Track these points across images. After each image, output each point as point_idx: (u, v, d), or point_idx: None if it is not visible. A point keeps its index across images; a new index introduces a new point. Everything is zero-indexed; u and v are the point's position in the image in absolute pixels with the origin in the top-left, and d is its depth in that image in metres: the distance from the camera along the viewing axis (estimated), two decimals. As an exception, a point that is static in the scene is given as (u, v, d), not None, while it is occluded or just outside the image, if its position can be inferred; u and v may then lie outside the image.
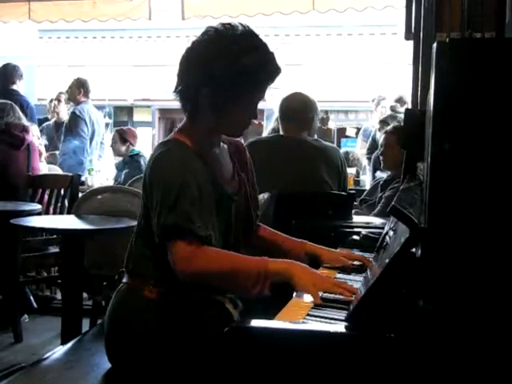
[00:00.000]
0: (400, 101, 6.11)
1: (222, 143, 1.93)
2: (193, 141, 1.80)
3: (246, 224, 1.95)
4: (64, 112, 6.89)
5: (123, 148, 6.11)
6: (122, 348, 1.81)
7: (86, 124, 6.31)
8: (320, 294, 1.57)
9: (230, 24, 1.78)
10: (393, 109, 6.10)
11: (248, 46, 1.74)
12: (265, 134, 5.53)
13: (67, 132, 6.35)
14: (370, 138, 6.43)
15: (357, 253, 2.17)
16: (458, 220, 1.14)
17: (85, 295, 3.77)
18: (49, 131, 6.91)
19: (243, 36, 1.76)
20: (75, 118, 6.29)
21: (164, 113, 15.17)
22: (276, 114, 4.43)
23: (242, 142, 2.18)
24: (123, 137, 6.11)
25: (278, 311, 1.44)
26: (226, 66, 1.72)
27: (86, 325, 3.51)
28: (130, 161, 6.07)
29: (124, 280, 1.85)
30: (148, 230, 1.77)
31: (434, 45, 1.14)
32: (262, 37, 1.79)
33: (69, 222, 3.67)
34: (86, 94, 6.38)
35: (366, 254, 2.11)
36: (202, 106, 1.78)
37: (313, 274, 1.66)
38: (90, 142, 6.42)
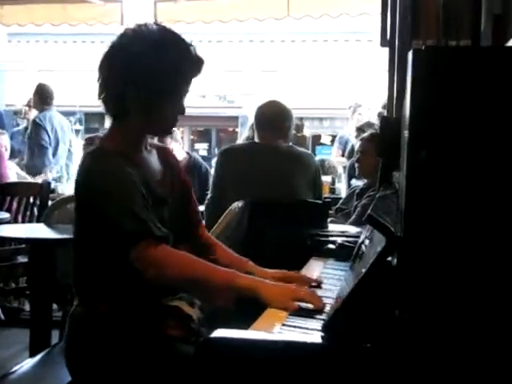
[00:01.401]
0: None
1: (149, 147, 1.93)
2: (121, 145, 1.80)
3: (183, 227, 1.93)
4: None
5: None
6: (82, 363, 1.79)
7: (47, 132, 6.26)
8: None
9: (145, 24, 1.81)
10: (381, 115, 6.10)
11: (167, 42, 1.77)
12: (239, 141, 5.53)
13: (29, 141, 6.31)
14: (350, 146, 6.46)
15: (330, 262, 2.18)
16: (434, 229, 1.15)
17: (54, 306, 3.72)
18: (19, 138, 6.85)
19: (160, 33, 1.80)
20: (35, 127, 6.26)
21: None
22: (251, 121, 4.44)
23: (171, 147, 2.17)
24: (92, 144, 6.07)
25: (249, 321, 1.44)
26: (149, 64, 1.73)
27: (55, 337, 3.47)
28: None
29: (75, 303, 1.85)
30: (88, 245, 1.78)
31: (410, 52, 1.16)
32: (176, 31, 1.82)
33: (38, 230, 3.64)
34: (47, 100, 6.32)
35: (342, 264, 2.12)
36: (128, 108, 1.79)
37: (281, 288, 1.65)
38: (55, 150, 6.37)
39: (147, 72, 1.74)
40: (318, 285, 1.83)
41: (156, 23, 1.82)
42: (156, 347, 1.72)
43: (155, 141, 2.10)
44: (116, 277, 1.73)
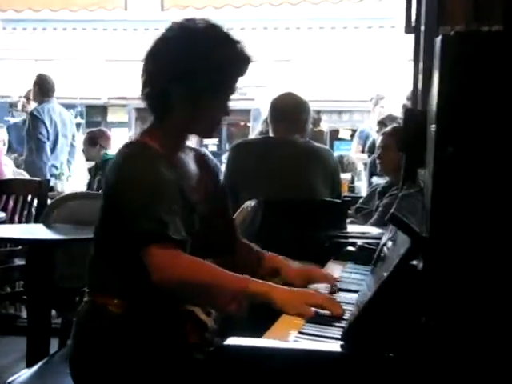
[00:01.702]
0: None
1: (187, 150, 1.98)
2: (160, 143, 1.84)
3: (212, 236, 1.94)
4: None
5: (93, 151, 6.09)
6: (88, 370, 1.80)
7: (46, 126, 6.28)
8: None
9: (192, 19, 1.86)
10: (405, 107, 6.08)
11: (214, 39, 1.82)
12: (251, 136, 5.53)
13: (27, 135, 6.34)
14: (370, 141, 6.45)
15: (350, 265, 2.18)
16: (462, 229, 1.15)
17: (53, 312, 3.74)
18: (17, 131, 6.87)
19: (208, 29, 1.84)
20: (32, 120, 6.29)
21: (141, 112, 15.07)
22: (264, 115, 4.45)
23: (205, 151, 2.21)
24: (93, 139, 6.10)
25: (261, 322, 1.44)
26: (194, 61, 1.78)
27: (54, 346, 3.49)
28: (103, 165, 6.05)
29: (85, 299, 1.86)
30: (109, 240, 1.80)
31: (438, 39, 1.15)
32: (226, 28, 1.86)
33: (36, 231, 3.65)
34: (47, 92, 6.35)
35: (362, 267, 2.11)
36: (172, 106, 1.82)
37: (296, 292, 1.66)
38: (54, 145, 6.39)
39: (192, 69, 1.78)
40: (333, 290, 1.85)
41: (204, 19, 1.86)
42: (174, 354, 1.74)
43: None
44: (132, 275, 1.74)
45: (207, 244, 1.87)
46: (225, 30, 1.85)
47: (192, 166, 1.96)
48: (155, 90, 1.84)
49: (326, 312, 1.56)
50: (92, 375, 1.80)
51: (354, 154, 7.15)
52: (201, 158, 2.03)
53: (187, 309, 1.81)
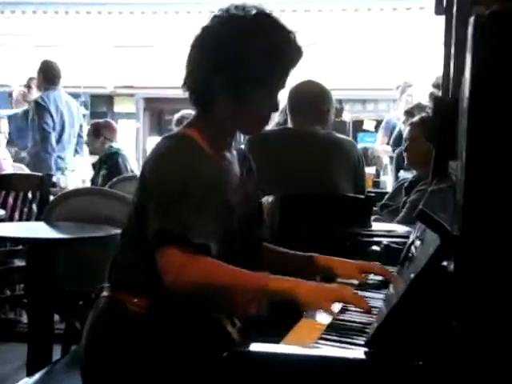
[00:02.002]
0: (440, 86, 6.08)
1: (233, 149, 1.98)
2: (204, 138, 1.84)
3: (249, 241, 1.97)
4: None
5: (97, 143, 6.11)
6: (103, 377, 1.81)
7: (51, 115, 6.30)
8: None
9: (241, 5, 1.85)
10: (433, 96, 6.05)
11: (265, 26, 1.82)
12: (269, 128, 5.51)
13: (32, 125, 6.35)
14: (396, 132, 6.43)
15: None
16: (497, 227, 1.14)
17: (56, 317, 3.76)
18: (17, 123, 6.89)
19: (258, 16, 1.84)
20: (37, 108, 6.30)
21: (150, 102, 15.17)
22: (281, 104, 4.44)
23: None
24: (97, 130, 6.11)
25: (282, 332, 1.44)
26: (243, 49, 1.78)
27: (57, 352, 3.51)
28: (107, 159, 6.06)
29: (104, 293, 1.87)
30: (138, 234, 1.79)
31: (471, 19, 1.14)
32: (279, 16, 1.86)
33: (38, 229, 3.68)
34: (53, 79, 6.37)
35: (388, 268, 2.11)
36: (216, 98, 1.83)
37: (320, 287, 1.69)
38: (60, 136, 6.41)
39: (235, 57, 1.78)
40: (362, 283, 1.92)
41: (256, 6, 1.86)
42: (193, 361, 1.75)
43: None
44: (158, 273, 1.73)
45: (242, 252, 1.89)
46: (277, 19, 1.85)
47: (236, 166, 1.97)
48: (196, 80, 1.84)
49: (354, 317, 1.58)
50: (106, 381, 1.80)
51: (379, 146, 7.14)
52: (244, 159, 2.04)
53: (214, 317, 1.82)
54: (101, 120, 6.67)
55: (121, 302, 1.81)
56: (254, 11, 1.83)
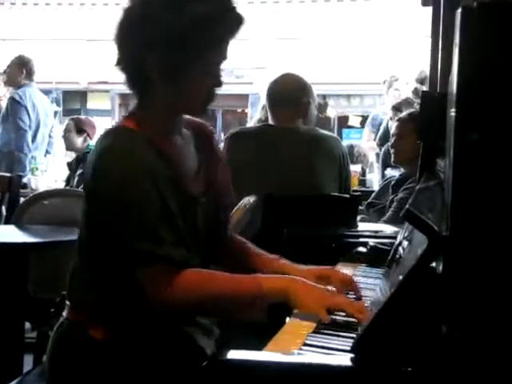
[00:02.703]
0: (425, 81, 6.09)
1: (184, 130, 1.89)
2: (146, 127, 1.75)
3: (216, 232, 1.91)
4: (2, 97, 6.86)
5: (79, 140, 6.04)
6: None
7: (28, 112, 6.27)
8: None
9: None
10: (417, 92, 6.07)
11: None
12: (250, 125, 5.53)
13: (4, 122, 6.31)
14: (382, 128, 6.45)
15: (361, 268, 2.18)
16: (486, 227, 1.14)
17: (27, 325, 3.74)
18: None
19: None
20: (14, 105, 6.27)
21: (126, 98, 15.07)
22: (263, 101, 4.45)
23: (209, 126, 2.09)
24: (79, 126, 6.05)
25: (265, 337, 1.44)
26: (173, 20, 1.68)
27: (28, 363, 3.49)
28: (85, 158, 6.02)
29: (65, 314, 1.85)
30: (91, 247, 1.77)
31: (458, 12, 1.15)
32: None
33: (7, 233, 3.65)
34: (30, 75, 6.35)
35: (375, 269, 2.11)
36: (150, 79, 1.74)
37: (316, 289, 1.68)
38: (35, 135, 6.38)
39: (167, 30, 1.69)
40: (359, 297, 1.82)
41: None
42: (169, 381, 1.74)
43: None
44: (123, 294, 1.73)
45: (209, 246, 1.86)
46: None
47: (191, 151, 1.88)
48: (128, 61, 1.76)
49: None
50: None
51: (366, 143, 7.16)
52: (202, 136, 1.93)
53: (184, 332, 1.80)
54: (81, 116, 6.62)
55: (81, 326, 1.78)
56: None
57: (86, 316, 1.79)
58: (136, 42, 1.73)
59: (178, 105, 1.80)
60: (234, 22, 1.75)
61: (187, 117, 1.90)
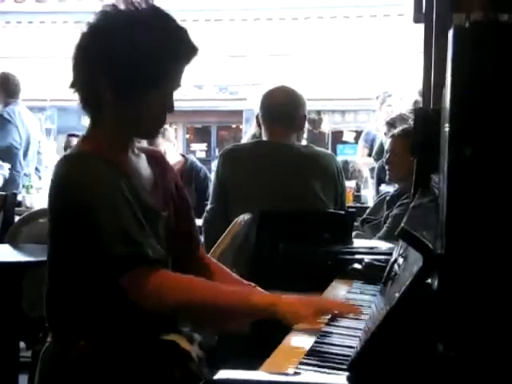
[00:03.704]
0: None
1: (137, 151, 1.93)
2: (102, 148, 1.79)
3: (178, 247, 1.93)
4: None
5: None
6: None
7: (19, 131, 6.26)
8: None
9: (131, 2, 1.80)
10: (417, 104, 6.07)
11: (149, 23, 1.77)
12: (244, 140, 5.55)
13: None
14: (378, 144, 6.46)
15: (356, 285, 2.17)
16: (482, 244, 1.14)
17: (22, 345, 3.72)
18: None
19: (145, 11, 1.79)
20: (3, 124, 6.25)
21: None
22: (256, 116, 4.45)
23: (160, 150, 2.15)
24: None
25: (263, 357, 1.43)
26: (123, 46, 1.73)
27: (23, 382, 3.47)
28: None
29: (48, 339, 1.86)
30: (65, 269, 1.79)
31: (451, 29, 1.15)
32: (172, 14, 1.81)
33: (2, 252, 3.63)
34: (14, 93, 6.33)
35: (370, 287, 2.11)
36: (104, 102, 1.78)
37: (298, 300, 1.69)
38: (26, 153, 6.37)
39: (121, 56, 1.73)
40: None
41: (147, 2, 1.82)
42: None
43: (144, 143, 2.11)
44: (101, 307, 1.75)
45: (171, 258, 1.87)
46: (167, 15, 1.80)
47: (145, 169, 1.92)
48: (82, 83, 1.81)
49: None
50: None
51: (360, 158, 7.17)
52: (154, 160, 1.97)
53: (166, 339, 1.81)
54: (78, 132, 6.62)
55: (64, 347, 1.79)
56: (141, 7, 1.79)
57: (67, 335, 1.80)
58: (94, 65, 1.77)
59: (130, 128, 1.84)
60: (187, 51, 1.79)
61: (138, 144, 1.96)
